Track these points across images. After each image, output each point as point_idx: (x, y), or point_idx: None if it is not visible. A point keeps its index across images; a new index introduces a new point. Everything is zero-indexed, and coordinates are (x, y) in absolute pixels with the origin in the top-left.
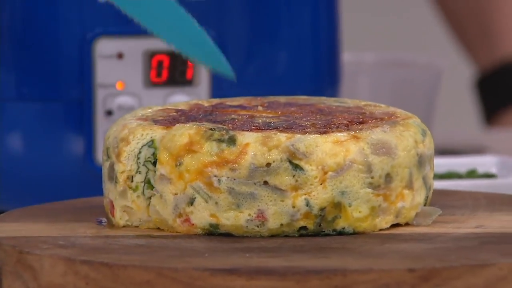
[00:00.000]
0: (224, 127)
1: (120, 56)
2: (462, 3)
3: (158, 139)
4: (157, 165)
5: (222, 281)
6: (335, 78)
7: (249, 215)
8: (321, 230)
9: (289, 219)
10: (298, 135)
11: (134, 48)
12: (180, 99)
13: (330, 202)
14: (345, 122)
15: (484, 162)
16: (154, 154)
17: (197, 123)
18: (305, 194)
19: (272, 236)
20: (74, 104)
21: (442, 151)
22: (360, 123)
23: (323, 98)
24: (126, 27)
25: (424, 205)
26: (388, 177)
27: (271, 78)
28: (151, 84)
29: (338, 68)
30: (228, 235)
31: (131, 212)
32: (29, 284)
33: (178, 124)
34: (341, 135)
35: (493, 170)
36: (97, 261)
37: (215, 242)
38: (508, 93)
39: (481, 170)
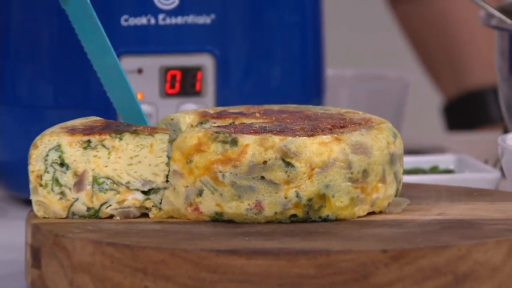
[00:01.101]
0: (227, 130)
1: (140, 71)
2: (432, 37)
3: (64, 144)
4: (171, 162)
5: (226, 260)
6: (320, 90)
7: (249, 204)
8: (308, 217)
9: (282, 208)
10: (290, 138)
11: (152, 64)
12: (190, 107)
13: (317, 193)
14: (329, 126)
15: (444, 160)
16: (60, 156)
17: (204, 127)
18: (296, 187)
19: (267, 222)
20: (102, 112)
21: (409, 151)
22: (342, 127)
23: (310, 106)
24: (145, 47)
25: (395, 196)
26: (365, 173)
27: (266, 90)
28: (166, 94)
29: (323, 81)
30: (230, 221)
31: (45, 206)
32: (63, 263)
33: (188, 128)
34: (326, 137)
35: (452, 166)
36: (120, 243)
37: (219, 227)
38: (470, 119)
39: (441, 166)
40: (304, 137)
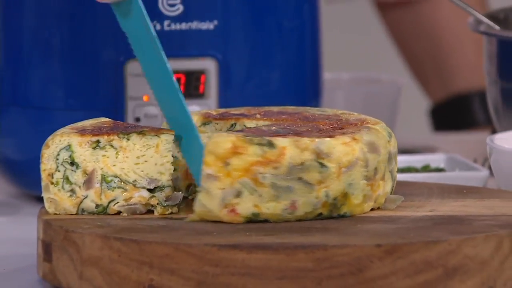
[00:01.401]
0: (253, 134)
1: None
2: (420, 43)
3: (75, 144)
4: (204, 166)
5: (227, 255)
6: (317, 92)
7: (285, 205)
8: (331, 215)
9: (312, 207)
10: (317, 139)
11: None
12: (194, 109)
13: (341, 192)
14: (327, 127)
15: (435, 159)
16: (70, 156)
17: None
18: (326, 187)
19: (298, 220)
20: (110, 113)
21: (402, 151)
22: (340, 128)
23: (308, 108)
24: None
25: (390, 193)
26: (375, 171)
27: (266, 92)
28: None
29: (320, 84)
30: (265, 221)
31: (56, 203)
32: (73, 257)
33: (217, 133)
34: (346, 138)
35: (442, 165)
36: (127, 238)
37: (221, 224)
38: (456, 122)
39: (433, 165)
40: (328, 138)
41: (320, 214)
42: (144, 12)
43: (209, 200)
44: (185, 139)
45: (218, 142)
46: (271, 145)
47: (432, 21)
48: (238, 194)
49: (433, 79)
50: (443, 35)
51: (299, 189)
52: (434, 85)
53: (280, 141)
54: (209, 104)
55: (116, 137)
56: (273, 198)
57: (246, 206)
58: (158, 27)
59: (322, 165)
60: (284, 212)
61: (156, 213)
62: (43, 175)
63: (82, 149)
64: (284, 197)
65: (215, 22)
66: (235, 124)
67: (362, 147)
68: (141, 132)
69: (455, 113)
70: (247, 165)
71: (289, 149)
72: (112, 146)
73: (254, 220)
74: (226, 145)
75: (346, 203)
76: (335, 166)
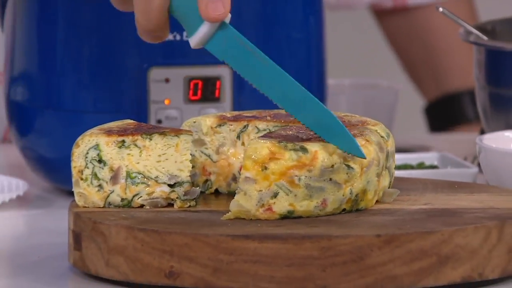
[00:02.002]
0: (284, 139)
1: (167, 80)
2: (415, 48)
3: (102, 143)
4: (242, 170)
5: (240, 244)
6: (322, 96)
7: (317, 203)
8: (352, 210)
9: (339, 204)
10: None
11: (177, 75)
12: (210, 111)
13: (362, 189)
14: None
15: (429, 157)
16: (98, 154)
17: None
18: (351, 185)
19: (327, 215)
20: (134, 115)
21: (399, 149)
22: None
23: None
24: (172, 60)
25: (388, 188)
26: (382, 168)
27: None
28: (189, 101)
29: (324, 89)
30: (298, 217)
31: (85, 197)
32: (100, 246)
33: (253, 139)
34: (360, 140)
35: (436, 163)
36: (149, 228)
37: None
38: (449, 118)
39: (427, 163)
40: None
41: (344, 209)
42: (237, 32)
43: (246, 200)
44: (310, 114)
45: (255, 148)
46: (304, 150)
47: (426, 27)
48: (274, 195)
49: (427, 80)
50: (436, 40)
51: (329, 188)
52: (428, 85)
53: (311, 146)
54: (224, 107)
55: (139, 137)
56: (307, 197)
57: (281, 205)
58: (178, 37)
59: (348, 166)
60: (315, 209)
61: (175, 206)
62: (74, 172)
63: (109, 148)
64: (316, 196)
65: None
66: (247, 125)
67: (375, 148)
68: (163, 133)
69: (447, 110)
70: (283, 169)
71: (320, 153)
72: (136, 145)
73: (288, 217)
74: (264, 151)
75: (364, 199)
76: (359, 166)
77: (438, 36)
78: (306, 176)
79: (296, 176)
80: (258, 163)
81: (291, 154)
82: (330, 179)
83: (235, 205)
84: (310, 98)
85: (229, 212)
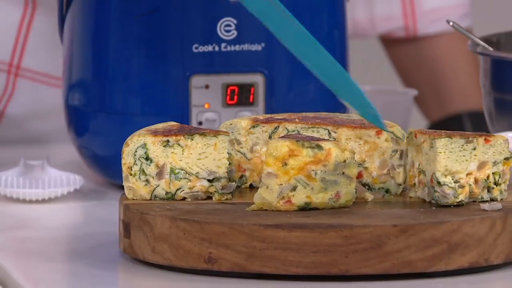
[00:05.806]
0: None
1: (207, 87)
2: (420, 73)
3: (149, 143)
4: (265, 166)
5: (272, 233)
6: None
7: (331, 195)
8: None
9: (351, 196)
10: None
11: (216, 82)
12: (245, 114)
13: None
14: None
15: None
16: (145, 152)
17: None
18: (360, 179)
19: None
20: (178, 118)
21: None
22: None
23: (338, 113)
24: (211, 69)
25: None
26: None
27: (304, 101)
28: (226, 105)
29: None
30: (315, 209)
31: (134, 190)
32: (147, 234)
33: (273, 139)
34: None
35: None
36: (190, 219)
37: None
38: None
39: None
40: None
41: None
42: None
43: (268, 193)
44: (341, 87)
45: (276, 146)
46: (319, 147)
47: (432, 54)
48: (293, 188)
49: (431, 102)
50: (442, 65)
51: (342, 181)
52: (431, 107)
53: (325, 144)
54: (258, 110)
55: (182, 137)
56: (322, 190)
57: (300, 198)
58: (217, 48)
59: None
60: (330, 201)
61: (214, 199)
62: (124, 168)
63: (155, 147)
64: (331, 189)
65: (263, 44)
66: (278, 126)
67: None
68: (203, 133)
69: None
70: (302, 165)
71: (334, 150)
72: (179, 144)
73: (305, 208)
74: (284, 149)
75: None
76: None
77: (443, 62)
78: (321, 171)
79: (313, 170)
80: (279, 159)
81: (308, 151)
82: (343, 173)
83: (258, 198)
84: (339, 68)
85: (253, 204)
